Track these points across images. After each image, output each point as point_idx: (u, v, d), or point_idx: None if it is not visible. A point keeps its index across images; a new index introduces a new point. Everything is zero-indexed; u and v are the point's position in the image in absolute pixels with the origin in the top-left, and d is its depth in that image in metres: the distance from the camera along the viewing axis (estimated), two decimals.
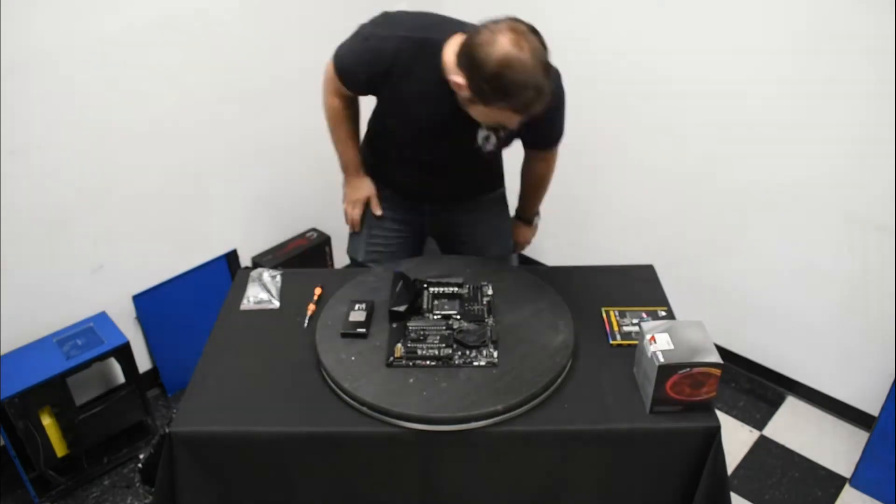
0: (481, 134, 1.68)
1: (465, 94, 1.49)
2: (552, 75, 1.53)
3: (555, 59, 2.67)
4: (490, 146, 1.71)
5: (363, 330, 1.54)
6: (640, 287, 1.77)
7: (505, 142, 1.76)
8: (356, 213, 1.99)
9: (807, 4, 2.08)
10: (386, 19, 1.67)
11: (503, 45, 1.40)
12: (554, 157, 1.91)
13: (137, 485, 2.30)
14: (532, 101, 1.42)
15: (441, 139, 1.72)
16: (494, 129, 1.67)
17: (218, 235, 2.65)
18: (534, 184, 1.98)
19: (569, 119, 2.37)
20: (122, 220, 2.34)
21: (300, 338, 1.61)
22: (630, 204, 2.79)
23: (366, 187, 1.97)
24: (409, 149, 1.82)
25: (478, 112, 1.53)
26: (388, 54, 1.60)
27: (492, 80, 1.40)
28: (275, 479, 1.45)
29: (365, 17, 2.78)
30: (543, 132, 1.77)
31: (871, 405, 2.42)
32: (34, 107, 2.03)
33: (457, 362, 1.47)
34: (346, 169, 1.99)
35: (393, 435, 1.38)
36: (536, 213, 2.07)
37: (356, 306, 1.60)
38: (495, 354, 1.48)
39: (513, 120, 1.52)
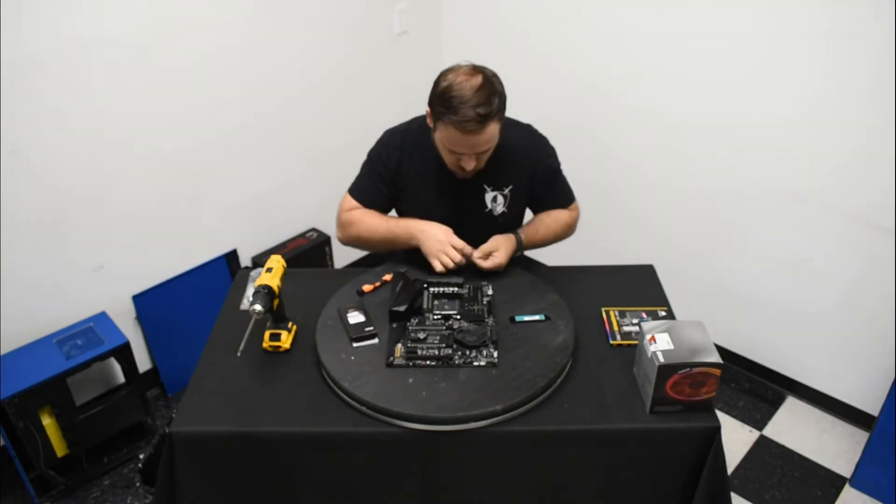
0: (488, 196, 1.78)
1: (430, 123, 1.67)
2: (536, 137, 1.81)
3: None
4: (500, 207, 1.80)
5: (371, 329, 1.54)
6: (640, 287, 1.77)
7: (514, 203, 1.81)
8: (455, 251, 1.71)
9: (806, 7, 2.08)
10: (387, 131, 1.85)
11: (458, 71, 1.61)
12: (572, 218, 1.90)
13: (137, 485, 2.30)
14: (471, 120, 1.54)
15: (453, 210, 1.77)
16: (499, 188, 1.79)
17: (218, 235, 2.65)
18: (545, 218, 1.87)
19: (569, 119, 2.37)
20: (122, 220, 2.34)
21: (300, 338, 1.61)
22: (630, 204, 2.79)
23: (440, 226, 1.75)
24: None
25: (437, 139, 1.66)
26: (395, 147, 1.78)
27: (441, 95, 1.58)
28: (275, 479, 1.45)
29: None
30: (555, 192, 1.87)
31: (871, 405, 2.42)
32: (34, 107, 2.03)
33: (457, 362, 1.47)
34: (408, 228, 1.75)
35: (393, 435, 1.38)
36: (522, 239, 1.81)
37: (349, 311, 1.59)
38: (495, 354, 1.48)
39: (460, 143, 1.60)
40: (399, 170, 1.78)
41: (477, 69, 1.61)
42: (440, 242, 1.69)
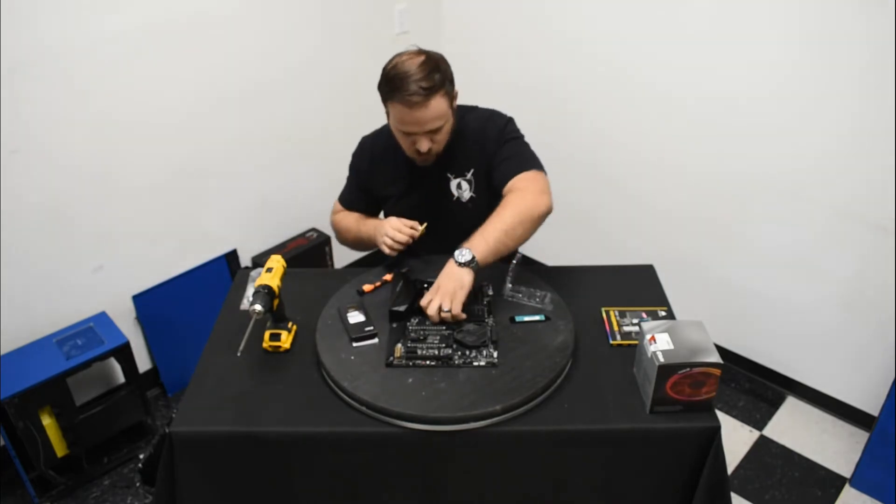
0: (453, 184, 1.80)
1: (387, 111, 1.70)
2: (490, 115, 1.79)
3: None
4: (466, 193, 1.81)
5: (372, 329, 1.54)
6: (640, 287, 1.77)
7: (479, 187, 1.79)
8: (405, 227, 1.69)
9: (808, 4, 2.08)
10: (362, 139, 1.92)
11: (403, 54, 1.65)
12: (525, 189, 1.64)
13: (137, 485, 2.30)
14: (414, 93, 1.57)
15: (423, 204, 1.80)
16: (461, 173, 1.79)
17: (218, 235, 2.65)
18: (492, 218, 1.59)
19: (569, 119, 2.37)
20: (122, 220, 2.34)
21: (300, 338, 1.61)
22: (630, 204, 2.79)
23: (392, 218, 1.74)
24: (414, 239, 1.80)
25: (392, 125, 1.71)
26: (365, 151, 1.88)
27: (386, 76, 1.63)
28: (275, 479, 1.45)
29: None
30: (506, 159, 1.72)
31: (871, 405, 2.42)
32: (35, 106, 2.03)
33: (457, 362, 1.47)
34: (370, 229, 1.80)
35: (392, 435, 1.38)
36: (467, 252, 1.53)
37: (349, 311, 1.60)
38: (495, 355, 1.48)
39: (409, 120, 1.62)
40: (371, 173, 1.86)
41: (422, 51, 1.65)
42: (383, 229, 1.72)
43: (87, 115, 2.14)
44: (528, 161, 1.71)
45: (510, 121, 1.80)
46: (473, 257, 1.52)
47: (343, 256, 3.03)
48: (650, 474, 1.47)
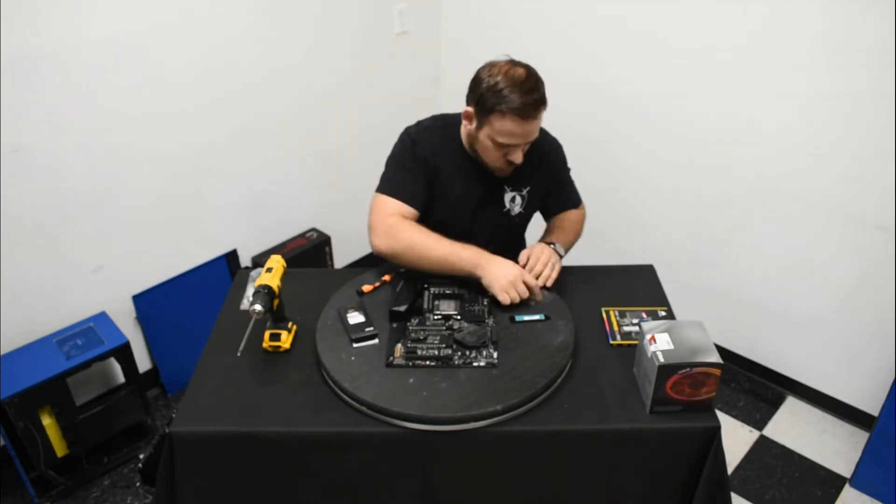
0: (507, 196, 1.80)
1: (472, 123, 1.66)
2: (550, 138, 1.84)
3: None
4: (517, 207, 1.82)
5: (371, 329, 1.54)
6: (640, 287, 1.77)
7: (530, 204, 1.84)
8: (524, 288, 1.63)
9: (808, 8, 2.08)
10: (410, 127, 1.79)
11: (500, 65, 1.63)
12: (573, 219, 1.92)
13: (137, 485, 2.30)
14: (528, 104, 1.57)
15: (474, 208, 1.78)
16: (518, 188, 1.81)
17: (218, 235, 2.65)
18: (565, 224, 1.89)
19: (569, 120, 2.36)
20: (122, 220, 2.34)
21: (300, 338, 1.61)
22: (630, 204, 2.79)
23: (510, 263, 1.66)
24: (452, 231, 1.77)
25: (484, 137, 1.64)
26: (426, 142, 1.75)
27: (493, 88, 1.58)
28: (275, 479, 1.45)
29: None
30: (566, 194, 1.91)
31: (871, 405, 2.42)
32: (34, 107, 2.03)
33: (456, 363, 1.47)
34: (472, 259, 1.64)
35: (393, 435, 1.38)
36: (558, 244, 1.78)
37: (349, 311, 1.60)
38: (495, 355, 1.48)
39: (517, 131, 1.60)
40: (433, 164, 1.73)
41: (516, 62, 1.65)
42: (513, 277, 1.60)
43: (87, 115, 2.14)
44: (579, 198, 1.95)
45: (562, 148, 1.88)
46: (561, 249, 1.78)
47: (343, 256, 3.03)
48: (650, 474, 1.47)
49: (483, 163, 1.72)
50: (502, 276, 1.60)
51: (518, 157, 1.67)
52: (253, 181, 2.67)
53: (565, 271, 1.84)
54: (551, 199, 1.90)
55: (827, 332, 2.45)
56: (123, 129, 2.23)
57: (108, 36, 2.10)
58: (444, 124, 1.78)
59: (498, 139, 1.62)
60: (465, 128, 1.71)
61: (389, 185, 1.72)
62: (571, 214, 1.92)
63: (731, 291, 2.62)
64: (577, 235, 1.91)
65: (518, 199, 1.82)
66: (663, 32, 2.42)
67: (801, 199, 2.32)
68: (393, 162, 1.76)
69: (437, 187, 1.77)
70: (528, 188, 1.82)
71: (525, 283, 1.61)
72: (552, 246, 1.75)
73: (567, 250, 1.84)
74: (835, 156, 2.20)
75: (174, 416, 1.44)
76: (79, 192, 2.20)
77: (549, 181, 1.85)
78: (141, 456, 1.52)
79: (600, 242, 2.88)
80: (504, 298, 1.59)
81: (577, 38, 2.66)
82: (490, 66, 1.63)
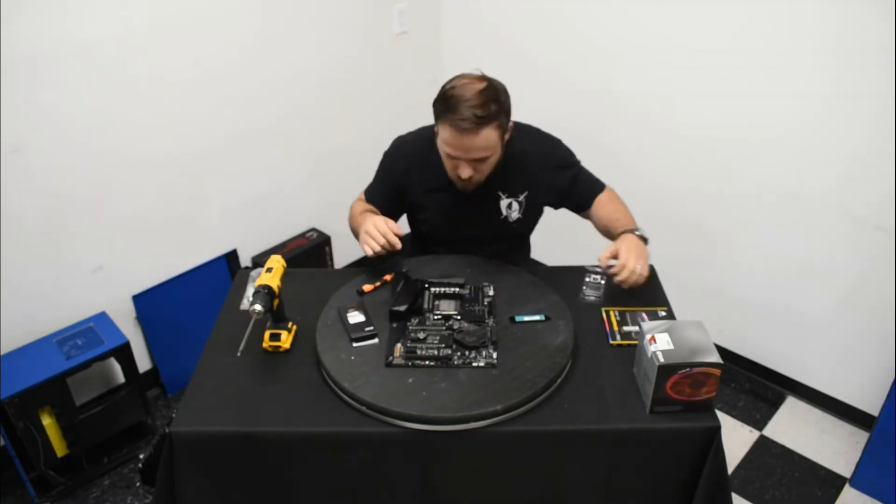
0: (503, 203, 1.80)
1: (436, 130, 1.68)
2: (545, 139, 1.84)
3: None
4: (515, 213, 1.82)
5: (372, 329, 1.54)
6: (640, 287, 1.77)
7: (529, 209, 1.83)
8: (386, 227, 1.65)
9: (807, 8, 2.08)
10: (398, 138, 1.86)
11: (465, 76, 1.63)
12: (611, 198, 1.90)
13: (137, 485, 2.30)
14: (465, 119, 1.55)
15: (467, 217, 1.78)
16: (514, 194, 1.80)
17: (218, 235, 2.65)
18: (608, 216, 1.86)
19: (568, 120, 2.35)
20: (122, 220, 2.34)
21: (300, 338, 1.61)
22: (630, 204, 2.78)
23: (376, 217, 1.71)
24: (445, 245, 1.84)
25: (439, 144, 1.68)
26: (404, 156, 1.81)
27: (443, 94, 1.61)
28: (275, 479, 1.45)
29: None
30: (584, 186, 1.88)
31: (871, 405, 2.42)
32: (34, 107, 2.03)
33: (456, 363, 1.47)
34: (364, 220, 1.70)
35: (393, 435, 1.38)
36: (635, 229, 1.77)
37: (349, 311, 1.60)
38: (494, 355, 1.48)
39: (456, 144, 1.61)
40: (405, 178, 1.80)
41: (485, 78, 1.63)
42: (366, 225, 1.65)
43: (87, 115, 2.14)
44: (599, 182, 1.92)
45: (567, 147, 1.87)
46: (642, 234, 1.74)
47: (343, 256, 3.03)
48: (650, 474, 1.47)
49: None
50: (363, 234, 1.65)
51: (464, 172, 1.65)
52: (253, 181, 2.67)
53: (565, 271, 1.84)
54: (572, 197, 1.87)
55: (827, 332, 2.45)
56: (123, 129, 2.23)
57: (109, 36, 2.10)
58: (432, 135, 1.78)
59: (443, 148, 1.65)
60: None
61: (369, 185, 1.90)
62: (604, 197, 1.88)
63: (732, 291, 2.62)
64: (627, 208, 1.87)
65: (515, 205, 1.82)
66: (663, 33, 2.42)
67: (802, 199, 2.32)
68: (378, 167, 1.88)
69: (416, 198, 1.81)
70: (525, 193, 1.81)
71: (378, 229, 1.62)
72: (636, 232, 1.71)
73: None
74: (835, 156, 2.20)
75: (174, 416, 1.44)
76: (79, 192, 2.20)
77: (555, 182, 1.83)
78: (141, 456, 1.52)
79: (601, 243, 2.88)
80: (365, 250, 1.63)
81: (577, 38, 2.66)
82: (460, 75, 1.64)
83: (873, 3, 1.96)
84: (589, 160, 2.79)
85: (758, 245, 2.48)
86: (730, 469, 2.31)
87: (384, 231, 1.62)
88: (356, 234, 1.79)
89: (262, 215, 2.77)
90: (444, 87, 1.63)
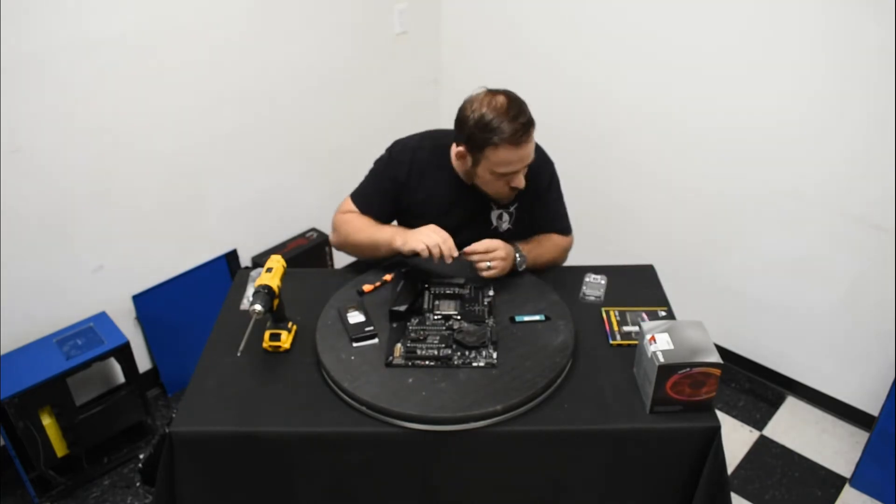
0: (494, 214, 1.79)
1: (467, 161, 1.66)
2: (541, 155, 1.78)
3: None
4: (505, 224, 1.81)
5: (371, 329, 1.54)
6: (640, 287, 1.77)
7: (518, 221, 1.82)
8: (442, 236, 1.63)
9: (805, 6, 2.08)
10: (397, 143, 1.82)
11: (479, 99, 1.61)
12: (568, 246, 1.90)
13: (137, 485, 2.30)
14: (518, 130, 1.56)
15: (459, 227, 1.76)
16: (505, 206, 1.79)
17: (218, 235, 2.65)
18: (545, 241, 1.83)
19: (569, 119, 2.35)
20: (122, 220, 2.34)
21: (300, 338, 1.61)
22: (630, 204, 2.79)
23: (426, 226, 1.68)
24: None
25: (482, 171, 1.65)
26: (405, 163, 1.77)
27: (477, 123, 1.58)
28: (275, 479, 1.45)
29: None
30: (549, 216, 1.86)
31: (871, 405, 2.42)
32: (35, 107, 2.03)
33: (456, 363, 1.47)
34: (394, 235, 1.69)
35: (393, 435, 1.38)
36: (523, 254, 1.74)
37: (349, 311, 1.60)
38: (494, 356, 1.48)
39: (515, 158, 1.60)
40: (407, 186, 1.78)
41: (493, 91, 1.63)
42: (433, 233, 1.62)
43: (87, 115, 2.13)
44: (568, 226, 1.90)
45: (554, 168, 1.85)
46: (519, 269, 1.73)
47: (343, 256, 3.02)
48: (650, 474, 1.47)
49: (487, 195, 1.73)
50: (420, 233, 1.63)
51: (521, 182, 1.67)
52: (253, 181, 2.67)
53: (566, 271, 1.84)
54: (537, 219, 1.84)
55: (827, 332, 2.45)
56: (123, 128, 2.23)
57: (109, 36, 2.10)
58: (435, 144, 1.78)
59: (498, 170, 1.63)
60: (459, 165, 1.71)
61: (357, 191, 1.83)
62: (556, 237, 1.86)
63: (731, 291, 2.62)
64: (553, 258, 1.84)
65: (505, 217, 1.81)
66: (664, 33, 2.42)
67: (802, 199, 2.32)
68: (370, 171, 1.84)
69: (413, 206, 1.80)
70: (515, 205, 1.80)
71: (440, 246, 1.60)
72: (515, 251, 1.71)
73: (535, 266, 1.76)
74: (835, 156, 2.20)
75: (174, 416, 1.44)
76: (79, 192, 2.20)
77: (534, 197, 1.80)
78: (141, 456, 1.52)
79: (601, 243, 2.88)
80: (419, 246, 1.59)
81: (578, 37, 2.66)
82: (471, 101, 1.62)
83: (873, 3, 1.96)
84: (589, 159, 2.81)
85: (758, 245, 2.48)
86: (730, 469, 2.31)
87: (448, 247, 1.60)
88: (362, 246, 1.76)
89: (262, 215, 2.77)
90: (470, 119, 1.59)
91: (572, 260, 1.93)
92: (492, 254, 1.65)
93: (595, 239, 2.91)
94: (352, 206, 1.81)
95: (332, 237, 1.86)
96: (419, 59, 3.04)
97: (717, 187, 2.50)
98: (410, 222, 1.83)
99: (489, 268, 1.65)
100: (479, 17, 2.93)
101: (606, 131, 2.72)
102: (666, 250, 2.68)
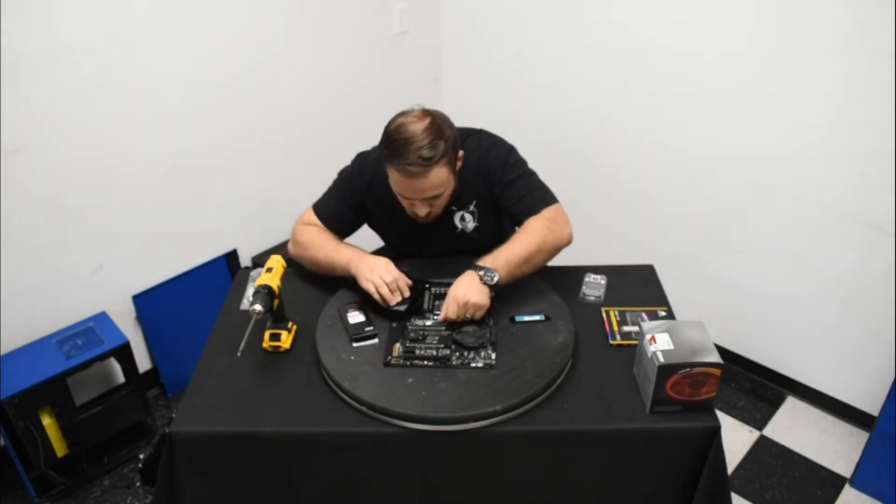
0: (457, 217, 1.76)
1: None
2: (487, 144, 1.71)
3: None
4: (470, 224, 1.77)
5: (371, 329, 1.54)
6: (640, 287, 1.77)
7: (483, 217, 1.76)
8: (392, 276, 1.62)
9: (804, 9, 2.08)
10: (360, 154, 1.81)
11: (408, 115, 1.59)
12: (536, 224, 1.66)
13: (137, 485, 2.30)
14: (413, 164, 1.52)
15: (426, 235, 1.76)
16: (463, 205, 1.74)
17: (218, 235, 2.65)
18: (516, 233, 1.69)
19: (569, 119, 2.35)
20: (122, 220, 2.34)
21: (300, 338, 1.61)
22: (630, 204, 2.79)
23: (382, 259, 1.67)
24: (407, 256, 1.81)
25: (392, 184, 1.63)
26: (366, 174, 1.75)
27: (387, 138, 1.57)
28: (274, 480, 1.45)
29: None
30: (514, 199, 1.70)
31: (871, 405, 2.42)
32: (34, 107, 2.03)
33: (455, 363, 1.47)
34: (350, 261, 1.67)
35: (392, 435, 1.38)
36: (495, 274, 1.56)
37: (349, 311, 1.60)
38: (493, 356, 1.48)
39: (406, 187, 1.58)
40: (367, 196, 1.76)
41: (427, 112, 1.59)
42: (372, 267, 1.62)
43: (87, 116, 2.14)
44: (544, 197, 1.70)
45: (511, 151, 1.73)
46: (497, 283, 1.55)
47: None
48: (650, 474, 1.47)
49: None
50: (372, 271, 1.61)
51: (421, 211, 1.63)
52: (253, 181, 2.67)
53: (566, 271, 1.84)
54: (508, 207, 1.72)
55: (827, 331, 2.45)
56: (124, 129, 2.23)
57: (109, 36, 2.10)
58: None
59: (396, 190, 1.63)
60: None
61: (319, 202, 1.83)
62: (531, 222, 1.66)
63: (731, 292, 2.62)
64: (540, 244, 1.62)
65: (468, 217, 1.77)
66: (664, 32, 2.41)
67: (802, 200, 2.32)
68: (333, 182, 1.83)
69: (376, 217, 1.80)
70: (473, 202, 1.74)
71: (390, 276, 1.60)
72: (481, 273, 1.56)
73: (522, 266, 1.61)
74: (835, 156, 2.20)
75: (174, 416, 1.44)
76: (79, 193, 2.20)
77: (490, 190, 1.72)
78: (141, 456, 1.52)
79: (601, 243, 2.88)
80: (367, 286, 1.59)
81: (578, 37, 2.66)
82: (401, 113, 1.60)
83: (871, 3, 1.96)
84: (588, 156, 2.81)
85: (758, 245, 2.48)
86: (730, 469, 2.31)
87: (396, 276, 1.60)
88: (320, 264, 1.73)
89: (262, 215, 2.77)
90: (387, 129, 1.58)
91: (572, 260, 1.93)
92: (463, 308, 1.54)
93: (595, 239, 2.91)
94: (314, 219, 1.79)
95: (290, 246, 1.81)
96: (419, 59, 3.04)
97: (717, 187, 2.50)
98: (381, 231, 1.85)
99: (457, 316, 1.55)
100: (479, 17, 2.93)
101: (607, 130, 2.72)
102: (666, 250, 2.68)
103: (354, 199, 1.78)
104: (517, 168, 1.72)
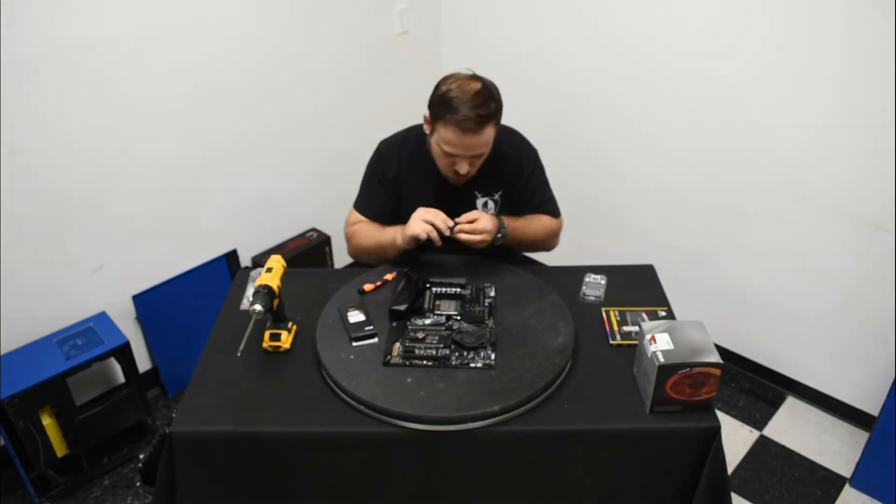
0: (479, 202, 1.83)
1: (428, 129, 1.72)
2: (522, 143, 1.85)
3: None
4: (490, 212, 1.83)
5: (371, 328, 1.55)
6: (640, 287, 1.77)
7: (504, 208, 1.84)
8: (432, 215, 1.69)
9: (805, 7, 2.08)
10: (383, 142, 1.88)
11: (458, 77, 1.67)
12: (557, 228, 1.92)
13: (137, 485, 2.30)
14: (470, 119, 1.59)
15: (450, 215, 1.76)
16: (489, 193, 1.83)
17: (218, 235, 2.65)
18: (533, 220, 1.87)
19: (568, 119, 2.35)
20: (123, 220, 2.34)
21: (300, 337, 1.61)
22: (630, 204, 2.79)
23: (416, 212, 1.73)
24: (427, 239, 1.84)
25: (434, 143, 1.70)
26: (393, 157, 1.83)
27: (442, 96, 1.63)
28: (274, 479, 1.45)
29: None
30: (541, 200, 1.88)
31: (871, 405, 2.42)
32: (34, 107, 2.03)
33: (454, 363, 1.47)
34: (395, 232, 1.75)
35: (392, 435, 1.38)
36: (505, 228, 1.76)
37: (349, 310, 1.60)
38: (492, 357, 1.48)
39: (458, 143, 1.63)
40: (398, 179, 1.83)
41: (476, 77, 1.67)
42: (425, 214, 1.67)
43: (87, 116, 2.13)
44: (556, 209, 1.91)
45: (538, 155, 1.87)
46: (497, 243, 1.74)
47: (343, 256, 3.02)
48: (650, 474, 1.47)
49: (446, 175, 1.76)
50: (413, 220, 1.67)
51: (462, 168, 1.69)
52: (253, 181, 2.67)
53: (566, 271, 1.84)
54: (524, 204, 1.87)
55: (827, 332, 2.45)
56: (124, 129, 2.23)
57: (109, 37, 2.10)
58: (418, 134, 1.81)
59: (443, 147, 1.67)
60: (424, 119, 1.76)
61: (358, 199, 1.89)
62: (545, 218, 1.89)
63: (731, 291, 2.62)
64: (541, 238, 1.87)
65: (491, 205, 1.85)
66: (664, 33, 2.41)
67: (802, 199, 2.32)
68: (364, 176, 1.89)
69: (404, 199, 1.84)
70: (499, 192, 1.84)
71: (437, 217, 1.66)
72: (501, 229, 1.73)
73: (519, 241, 1.81)
74: (835, 156, 2.20)
75: (174, 416, 1.44)
76: (79, 193, 2.20)
77: (519, 184, 1.85)
78: (141, 456, 1.52)
79: (601, 243, 2.88)
80: (416, 231, 1.65)
81: (578, 38, 2.66)
82: (452, 76, 1.67)
83: (871, 4, 1.96)
84: (588, 157, 2.81)
85: (758, 245, 2.48)
86: (730, 469, 2.31)
87: (441, 220, 1.65)
88: (373, 250, 1.81)
89: (262, 215, 2.77)
90: (439, 89, 1.65)
91: (572, 260, 1.93)
92: (475, 224, 1.67)
93: (595, 239, 2.91)
94: (358, 216, 1.87)
95: (347, 249, 1.91)
96: (419, 59, 3.04)
97: (717, 187, 2.50)
98: (403, 210, 1.84)
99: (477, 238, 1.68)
100: (479, 17, 2.93)
101: (606, 129, 2.72)
102: (666, 250, 2.68)
103: (386, 179, 1.84)
104: (542, 173, 1.89)
